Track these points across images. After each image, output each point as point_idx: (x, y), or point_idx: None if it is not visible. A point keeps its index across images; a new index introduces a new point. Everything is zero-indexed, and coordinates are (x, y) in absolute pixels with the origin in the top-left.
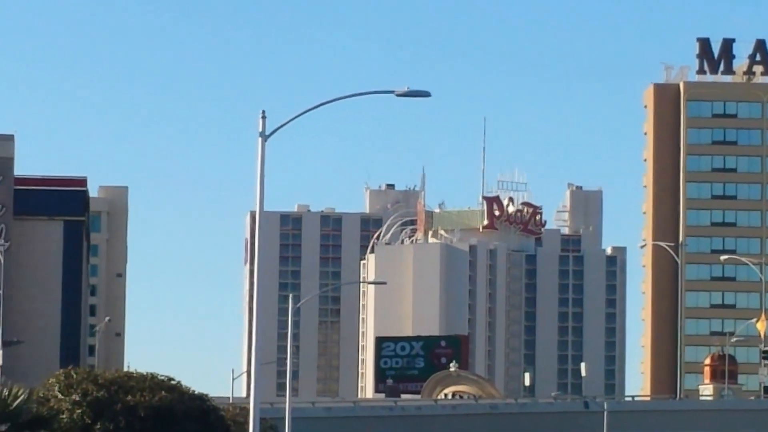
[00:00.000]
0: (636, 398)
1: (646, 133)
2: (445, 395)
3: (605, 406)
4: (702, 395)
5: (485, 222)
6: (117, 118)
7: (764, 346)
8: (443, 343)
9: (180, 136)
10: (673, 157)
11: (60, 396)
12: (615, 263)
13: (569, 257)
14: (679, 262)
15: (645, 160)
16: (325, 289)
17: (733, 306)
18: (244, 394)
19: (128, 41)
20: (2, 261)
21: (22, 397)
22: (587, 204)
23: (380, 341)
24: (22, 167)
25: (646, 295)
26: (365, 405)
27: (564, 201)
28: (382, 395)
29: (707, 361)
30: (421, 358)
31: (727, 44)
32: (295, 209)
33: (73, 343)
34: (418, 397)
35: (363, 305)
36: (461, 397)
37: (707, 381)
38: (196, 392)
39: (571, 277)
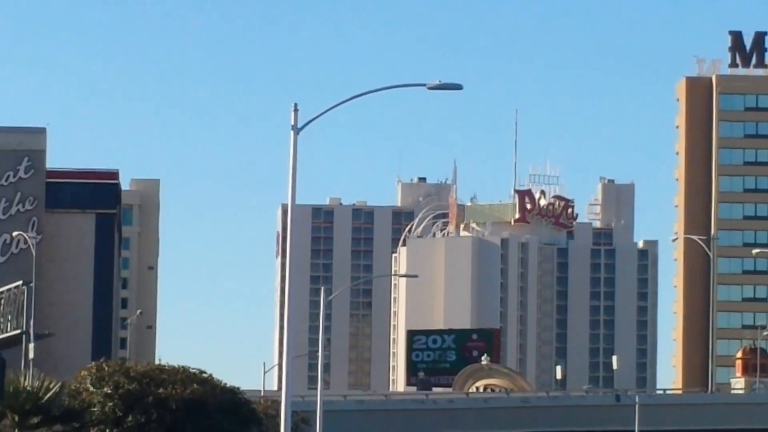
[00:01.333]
0: (667, 391)
1: (678, 126)
2: (477, 388)
3: (637, 400)
4: (733, 389)
5: (517, 215)
6: (149, 110)
7: None
8: (475, 337)
9: (212, 129)
10: (705, 150)
11: (92, 389)
12: (647, 257)
13: (601, 250)
14: (710, 255)
15: (677, 153)
16: (356, 282)
17: (765, 299)
18: (275, 388)
19: (161, 34)
20: (34, 254)
21: (54, 389)
22: (619, 197)
23: (412, 334)
24: (54, 160)
25: (678, 288)
26: (397, 398)
27: (596, 194)
28: (414, 388)
29: (739, 354)
30: (452, 351)
31: (759, 37)
32: (327, 202)
33: (104, 335)
34: (449, 390)
35: (394, 298)
36: (493, 390)
37: (739, 374)
38: (227, 385)
39: (603, 270)
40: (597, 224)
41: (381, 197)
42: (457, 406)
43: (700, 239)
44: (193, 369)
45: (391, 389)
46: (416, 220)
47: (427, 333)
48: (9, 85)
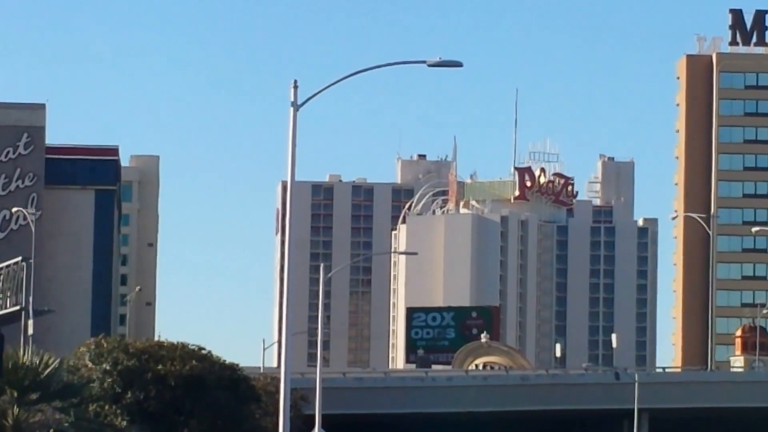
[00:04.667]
0: (667, 369)
1: (678, 104)
2: (476, 366)
3: (636, 378)
4: (733, 367)
5: (517, 193)
6: (149, 87)
7: None
8: (474, 314)
9: (212, 105)
10: (705, 128)
11: (91, 365)
12: (646, 234)
13: (601, 228)
14: (710, 233)
15: (677, 131)
16: (356, 260)
17: (764, 278)
18: (274, 364)
19: (161, 11)
20: (33, 230)
21: (53, 365)
22: (619, 175)
23: (411, 312)
24: (54, 136)
25: (678, 266)
26: (396, 376)
27: (596, 172)
28: (413, 366)
29: (738, 332)
30: (452, 328)
31: (760, 15)
32: (327, 179)
33: (103, 312)
34: (448, 367)
35: (394, 276)
36: (492, 368)
37: (738, 353)
38: (226, 362)
39: (603, 248)
40: (597, 202)
41: (381, 174)
42: (456, 384)
43: (699, 217)
44: (192, 346)
45: (390, 367)
46: (416, 198)
47: (427, 310)
48: (9, 61)
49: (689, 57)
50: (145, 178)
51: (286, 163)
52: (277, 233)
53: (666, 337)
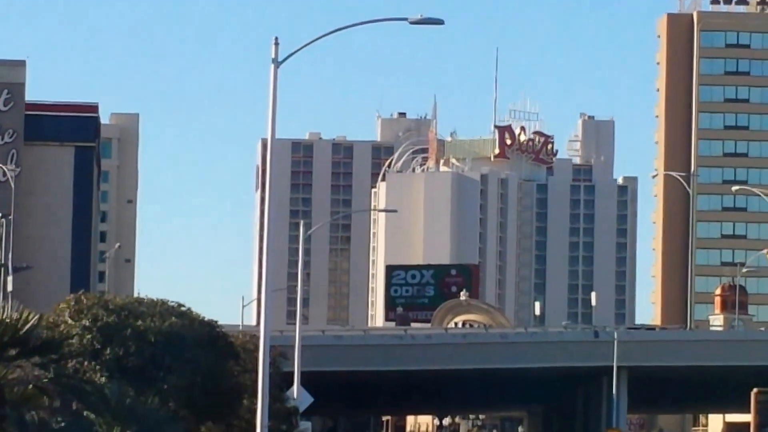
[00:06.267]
0: (646, 328)
1: (658, 63)
2: (455, 324)
3: (615, 336)
4: (712, 325)
5: (496, 151)
6: (129, 44)
7: None
8: (454, 272)
9: (192, 62)
10: (685, 87)
11: (70, 321)
12: (626, 193)
13: (580, 187)
14: (690, 192)
15: (657, 90)
16: (335, 217)
17: (744, 236)
18: (254, 322)
19: None
20: (12, 187)
21: (32, 321)
22: (599, 133)
23: (390, 269)
24: (34, 93)
25: (657, 225)
26: (375, 333)
27: (576, 130)
28: (392, 324)
29: (718, 291)
30: (431, 286)
31: None
32: (307, 137)
33: (83, 269)
34: (428, 325)
35: (374, 233)
36: (471, 326)
37: (717, 311)
38: (206, 319)
39: (582, 206)
40: (577, 160)
41: (361, 132)
42: (435, 342)
43: (679, 176)
44: (171, 302)
45: (369, 324)
46: (396, 155)
47: (406, 268)
48: None
49: (670, 16)
50: (125, 135)
51: (266, 120)
52: (257, 190)
53: (645, 295)
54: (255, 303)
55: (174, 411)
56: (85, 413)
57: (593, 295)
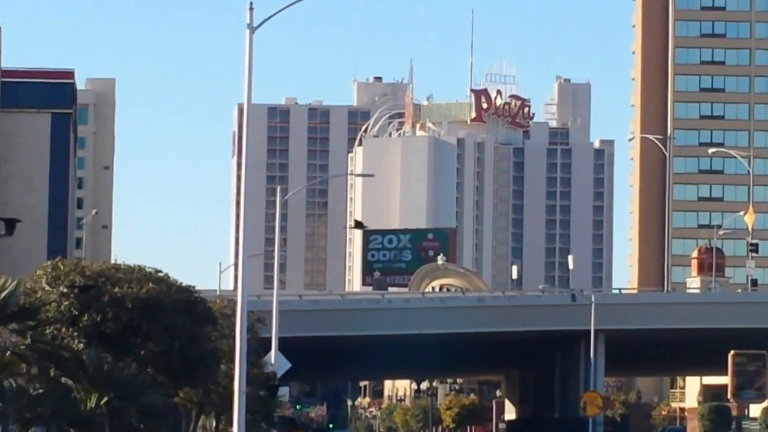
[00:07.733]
0: (623, 291)
1: (634, 26)
2: (433, 288)
3: (592, 299)
4: (689, 288)
5: (473, 115)
6: (104, 9)
7: (751, 239)
8: (430, 236)
9: (168, 28)
10: (661, 49)
11: (47, 287)
12: (603, 156)
13: (557, 150)
14: (667, 155)
15: (633, 53)
16: (312, 182)
17: (720, 199)
18: (231, 287)
19: None
20: None
21: (10, 288)
22: (575, 97)
23: (367, 234)
24: (9, 59)
25: (634, 188)
26: (352, 298)
27: (552, 94)
28: (370, 288)
29: (695, 254)
30: (408, 251)
31: None
32: (283, 102)
33: (60, 235)
34: (405, 290)
35: (350, 198)
36: (448, 290)
37: (694, 274)
38: (183, 284)
39: (559, 170)
40: (553, 124)
41: (337, 97)
42: (412, 306)
43: (656, 139)
44: (149, 268)
45: (347, 289)
46: (372, 120)
47: (383, 233)
48: None
49: None
50: (101, 101)
51: (242, 85)
52: (233, 156)
53: (622, 258)
54: (232, 268)
55: (152, 377)
56: (63, 379)
57: (570, 258)
